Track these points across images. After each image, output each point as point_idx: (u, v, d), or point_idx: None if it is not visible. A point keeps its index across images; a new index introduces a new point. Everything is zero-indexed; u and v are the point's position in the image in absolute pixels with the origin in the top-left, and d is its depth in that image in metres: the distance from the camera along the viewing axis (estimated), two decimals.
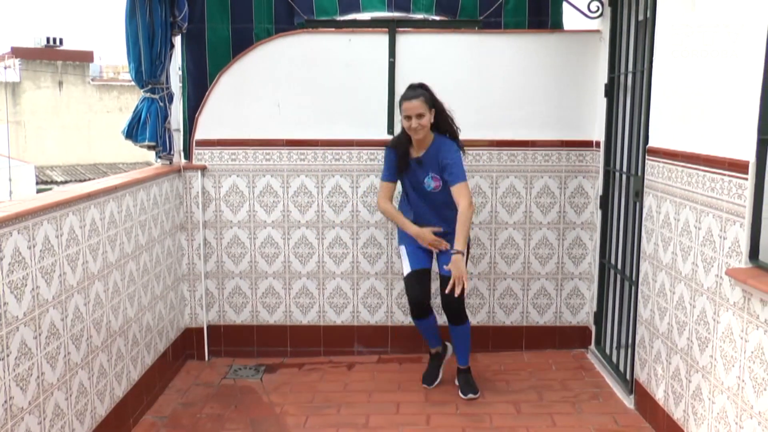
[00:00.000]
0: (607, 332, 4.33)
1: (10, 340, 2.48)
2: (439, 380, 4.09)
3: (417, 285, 3.85)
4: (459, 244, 3.60)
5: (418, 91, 3.72)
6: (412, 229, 3.85)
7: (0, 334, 2.41)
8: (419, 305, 3.87)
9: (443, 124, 3.81)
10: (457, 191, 3.67)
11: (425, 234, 3.81)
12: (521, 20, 4.50)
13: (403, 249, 3.96)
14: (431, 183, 3.79)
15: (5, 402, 2.45)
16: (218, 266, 4.54)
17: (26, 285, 2.59)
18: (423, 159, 3.78)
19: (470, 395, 3.89)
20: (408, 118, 3.67)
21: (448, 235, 3.80)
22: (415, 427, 3.59)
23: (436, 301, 4.04)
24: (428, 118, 3.71)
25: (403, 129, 3.79)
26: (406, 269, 3.89)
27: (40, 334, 2.68)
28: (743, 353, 2.66)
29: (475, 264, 4.53)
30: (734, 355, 2.73)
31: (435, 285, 4.02)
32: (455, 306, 3.82)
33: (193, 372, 4.35)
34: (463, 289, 3.61)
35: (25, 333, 2.58)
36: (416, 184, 3.83)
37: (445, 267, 3.67)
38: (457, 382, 4.01)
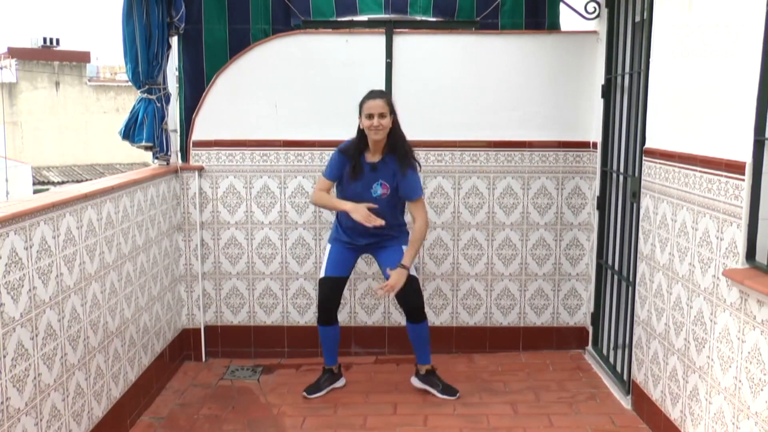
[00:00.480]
0: (604, 333, 4.33)
1: (6, 341, 2.47)
2: (321, 394, 3.96)
3: (329, 292, 3.92)
4: (407, 259, 3.75)
5: (383, 93, 3.79)
6: (347, 205, 3.71)
7: None
8: (328, 311, 3.94)
9: (397, 137, 3.75)
10: (415, 207, 3.80)
11: (360, 209, 3.65)
12: (518, 21, 4.50)
13: (328, 248, 4.00)
14: (378, 189, 3.75)
15: (2, 403, 2.44)
16: (215, 267, 4.54)
17: (23, 286, 2.58)
18: (378, 165, 3.76)
19: (446, 396, 3.90)
20: (370, 116, 3.64)
21: (383, 244, 3.87)
22: (412, 428, 3.59)
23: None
24: (388, 121, 3.69)
25: (357, 134, 3.79)
26: (322, 273, 3.96)
27: (36, 335, 2.68)
28: (740, 354, 2.66)
29: (472, 265, 4.54)
30: (731, 355, 2.73)
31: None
32: (413, 300, 3.82)
33: (191, 373, 4.35)
34: (418, 289, 3.84)
35: (22, 334, 2.58)
36: (363, 190, 3.76)
37: (388, 271, 3.74)
38: (424, 385, 3.99)
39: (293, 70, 4.38)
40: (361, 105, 3.73)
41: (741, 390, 2.66)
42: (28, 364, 2.62)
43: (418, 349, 3.99)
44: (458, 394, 3.91)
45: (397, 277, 3.69)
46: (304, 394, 3.94)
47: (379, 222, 3.65)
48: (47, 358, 2.76)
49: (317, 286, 4.52)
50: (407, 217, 3.94)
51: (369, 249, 3.96)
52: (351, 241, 3.90)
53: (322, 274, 3.96)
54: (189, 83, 4.48)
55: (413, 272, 3.82)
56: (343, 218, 3.89)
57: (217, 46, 4.46)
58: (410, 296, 3.81)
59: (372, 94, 3.74)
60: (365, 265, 4.50)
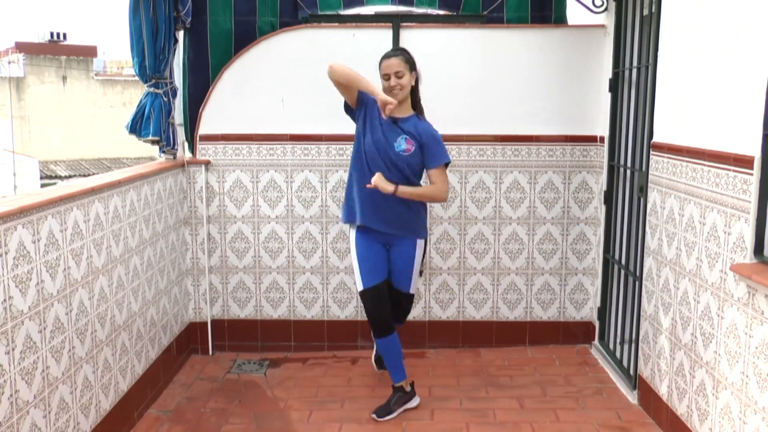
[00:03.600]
0: (610, 328, 4.33)
1: (15, 333, 2.49)
2: (391, 417, 3.61)
3: (373, 305, 3.55)
4: (404, 188, 3.38)
5: (399, 51, 3.51)
6: (372, 85, 3.34)
7: (5, 328, 2.42)
8: (380, 322, 3.58)
9: (418, 96, 3.53)
10: (435, 174, 3.48)
11: (382, 95, 3.29)
12: (524, 15, 4.49)
13: (353, 242, 3.59)
14: (402, 143, 3.42)
15: (11, 396, 2.46)
16: (222, 261, 4.55)
17: (31, 279, 2.60)
18: (401, 121, 3.46)
19: (373, 415, 3.61)
20: (387, 77, 3.40)
21: (395, 237, 3.53)
22: (419, 422, 3.59)
23: None
24: (408, 79, 3.42)
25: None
26: (359, 284, 3.58)
27: (44, 328, 2.69)
28: (747, 349, 2.66)
29: (479, 259, 4.53)
30: (738, 350, 2.72)
31: None
32: (398, 316, 3.80)
33: (197, 366, 4.36)
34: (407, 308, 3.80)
35: (30, 327, 2.59)
36: (386, 142, 3.42)
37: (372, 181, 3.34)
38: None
39: (300, 65, 4.38)
40: (378, 67, 3.48)
41: (748, 385, 2.65)
42: (36, 357, 2.63)
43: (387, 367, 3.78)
44: (387, 417, 3.60)
45: (382, 182, 3.33)
46: (374, 416, 3.60)
47: (390, 105, 3.23)
48: (55, 351, 2.78)
49: (322, 280, 4.54)
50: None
51: (387, 241, 3.58)
52: (368, 224, 3.49)
53: (360, 286, 3.57)
54: (193, 75, 4.47)
55: (413, 289, 3.71)
56: (355, 192, 3.53)
57: (222, 37, 4.46)
58: (399, 313, 3.80)
59: (387, 53, 3.49)
60: None
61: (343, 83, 3.40)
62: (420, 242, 3.62)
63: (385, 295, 3.58)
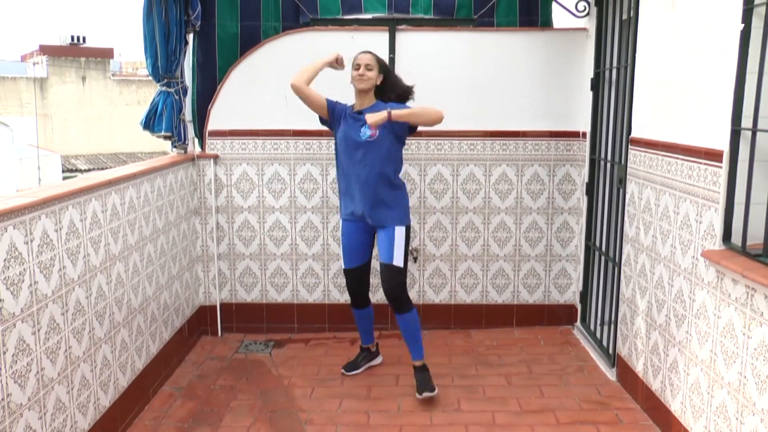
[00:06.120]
0: (591, 310, 4.36)
1: (40, 316, 2.51)
2: (358, 371, 3.93)
3: (352, 281, 3.80)
4: (397, 110, 3.41)
5: (374, 54, 3.63)
6: (325, 57, 3.65)
7: (31, 311, 2.45)
8: (355, 297, 3.85)
9: (387, 93, 3.60)
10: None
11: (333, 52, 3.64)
12: (512, 20, 4.49)
13: (340, 228, 3.88)
14: (367, 131, 3.51)
15: (37, 373, 2.49)
16: (230, 248, 4.57)
17: (54, 265, 2.62)
18: (365, 111, 3.53)
19: (426, 393, 3.51)
20: (357, 66, 3.53)
21: (378, 212, 3.57)
22: (413, 398, 3.61)
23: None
24: (375, 74, 3.55)
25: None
26: (343, 264, 3.81)
27: (67, 311, 2.72)
28: (716, 329, 2.68)
29: (470, 247, 4.56)
30: (708, 330, 2.75)
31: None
32: (389, 287, 3.56)
33: (207, 347, 4.39)
34: (403, 278, 3.58)
35: (54, 310, 2.62)
36: (350, 139, 3.57)
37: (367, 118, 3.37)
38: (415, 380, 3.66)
39: (302, 65, 4.37)
40: (353, 59, 3.61)
41: (716, 362, 2.68)
42: (59, 338, 2.66)
43: (407, 343, 3.69)
44: (426, 393, 3.50)
45: (374, 117, 3.35)
46: (343, 371, 3.92)
47: (338, 58, 3.65)
48: (76, 332, 2.80)
49: (323, 266, 4.57)
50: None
51: (372, 223, 3.61)
52: (352, 212, 3.63)
53: (343, 265, 3.82)
54: (203, 75, 4.47)
55: (399, 262, 3.54)
56: (341, 182, 3.70)
57: (229, 40, 4.46)
58: (387, 282, 3.56)
59: (363, 51, 3.62)
60: None
61: (309, 100, 3.63)
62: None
63: (362, 277, 3.85)
